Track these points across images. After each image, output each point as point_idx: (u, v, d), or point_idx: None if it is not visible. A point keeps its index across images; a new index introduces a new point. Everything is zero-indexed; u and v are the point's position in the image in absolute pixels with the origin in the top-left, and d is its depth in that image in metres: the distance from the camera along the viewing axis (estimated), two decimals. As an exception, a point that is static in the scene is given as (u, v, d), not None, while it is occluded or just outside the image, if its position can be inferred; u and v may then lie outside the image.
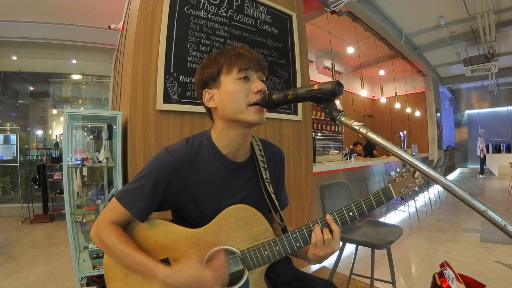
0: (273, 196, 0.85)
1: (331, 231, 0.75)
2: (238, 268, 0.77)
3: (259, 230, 0.78)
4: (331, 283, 0.90)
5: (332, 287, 0.88)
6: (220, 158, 0.81)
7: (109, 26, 3.84)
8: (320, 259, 0.77)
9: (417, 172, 0.77)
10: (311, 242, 0.75)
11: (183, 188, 0.79)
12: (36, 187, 4.35)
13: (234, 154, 0.83)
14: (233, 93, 0.76)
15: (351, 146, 6.34)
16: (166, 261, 0.75)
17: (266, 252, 0.76)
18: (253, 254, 0.76)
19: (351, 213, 0.76)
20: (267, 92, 0.76)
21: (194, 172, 0.79)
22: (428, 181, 5.30)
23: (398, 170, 0.81)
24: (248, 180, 0.85)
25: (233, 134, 0.80)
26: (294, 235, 0.76)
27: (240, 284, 0.75)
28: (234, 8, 2.05)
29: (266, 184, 0.85)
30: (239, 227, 0.77)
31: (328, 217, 0.76)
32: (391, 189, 0.77)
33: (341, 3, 3.88)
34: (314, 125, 6.15)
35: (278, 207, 0.85)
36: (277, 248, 0.76)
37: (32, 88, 5.45)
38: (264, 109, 0.78)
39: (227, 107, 0.77)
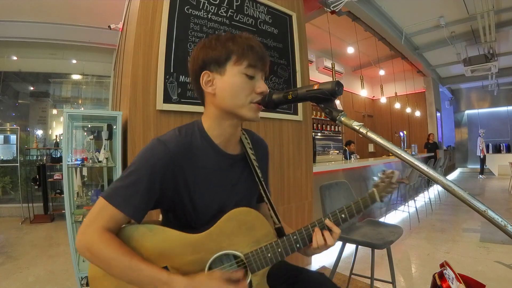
0: (265, 188, 0.87)
1: (329, 233, 0.78)
2: None
3: (262, 234, 0.78)
4: (322, 274, 0.92)
5: (324, 278, 0.89)
6: (214, 149, 0.79)
7: (109, 26, 3.84)
8: (317, 253, 0.82)
9: (395, 177, 0.79)
10: (312, 245, 0.78)
11: (180, 181, 0.74)
12: (36, 187, 4.35)
13: (225, 144, 0.81)
14: (238, 87, 0.74)
15: (345, 146, 6.34)
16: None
17: (269, 254, 0.76)
18: (257, 257, 0.76)
19: (343, 215, 0.79)
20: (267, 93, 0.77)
21: (190, 163, 0.75)
22: (428, 181, 5.31)
23: (379, 175, 0.82)
24: (241, 173, 0.85)
25: (226, 124, 0.78)
26: (295, 237, 0.78)
27: None
28: (234, 8, 2.05)
29: (260, 176, 0.86)
30: (241, 231, 0.77)
31: (328, 222, 0.78)
32: (375, 193, 0.80)
33: (341, 3, 3.88)
34: (314, 125, 6.15)
35: (270, 198, 0.87)
36: (279, 250, 0.77)
37: (32, 88, 5.45)
38: (260, 107, 0.78)
39: (228, 99, 0.74)
